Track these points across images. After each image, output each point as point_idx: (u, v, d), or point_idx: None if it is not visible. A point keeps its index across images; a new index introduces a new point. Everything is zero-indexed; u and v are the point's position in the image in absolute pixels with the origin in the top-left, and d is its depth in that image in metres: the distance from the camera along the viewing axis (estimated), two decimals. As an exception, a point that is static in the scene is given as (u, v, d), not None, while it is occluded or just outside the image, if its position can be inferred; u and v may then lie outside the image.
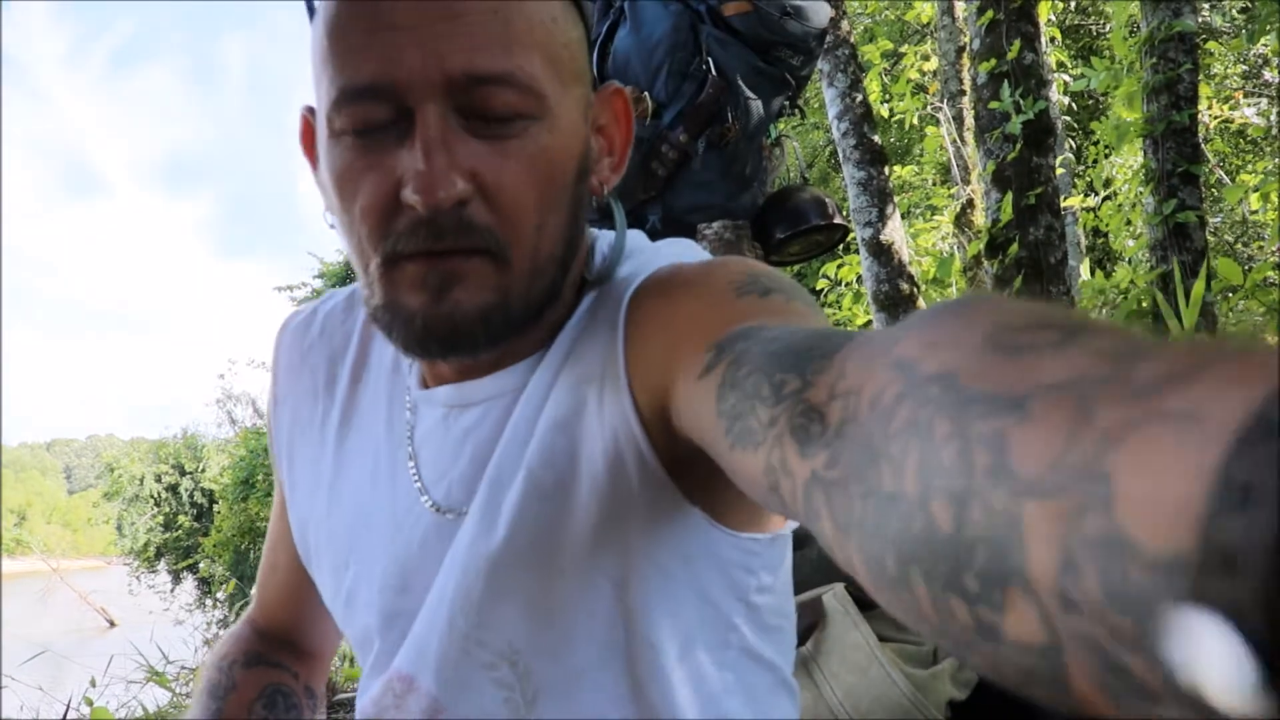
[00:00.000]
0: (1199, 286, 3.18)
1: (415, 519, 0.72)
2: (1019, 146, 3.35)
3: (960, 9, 6.46)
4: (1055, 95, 7.01)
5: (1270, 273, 4.67)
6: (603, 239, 0.76)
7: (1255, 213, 6.68)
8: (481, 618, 0.68)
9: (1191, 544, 0.18)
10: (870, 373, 0.37)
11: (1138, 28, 4.18)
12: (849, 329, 0.55)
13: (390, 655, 0.74)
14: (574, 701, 0.69)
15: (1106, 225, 5.99)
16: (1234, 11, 7.91)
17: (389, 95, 0.60)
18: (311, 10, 0.66)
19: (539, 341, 0.70)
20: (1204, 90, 5.91)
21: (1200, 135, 4.16)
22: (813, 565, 1.36)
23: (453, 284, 0.62)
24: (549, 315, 0.70)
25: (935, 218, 7.24)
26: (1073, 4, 9.85)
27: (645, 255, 0.74)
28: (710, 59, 1.86)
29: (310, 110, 0.70)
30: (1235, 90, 7.72)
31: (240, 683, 0.87)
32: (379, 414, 0.77)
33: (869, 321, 6.05)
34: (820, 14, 1.92)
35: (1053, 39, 7.15)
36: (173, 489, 19.09)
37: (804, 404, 0.43)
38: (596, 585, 0.67)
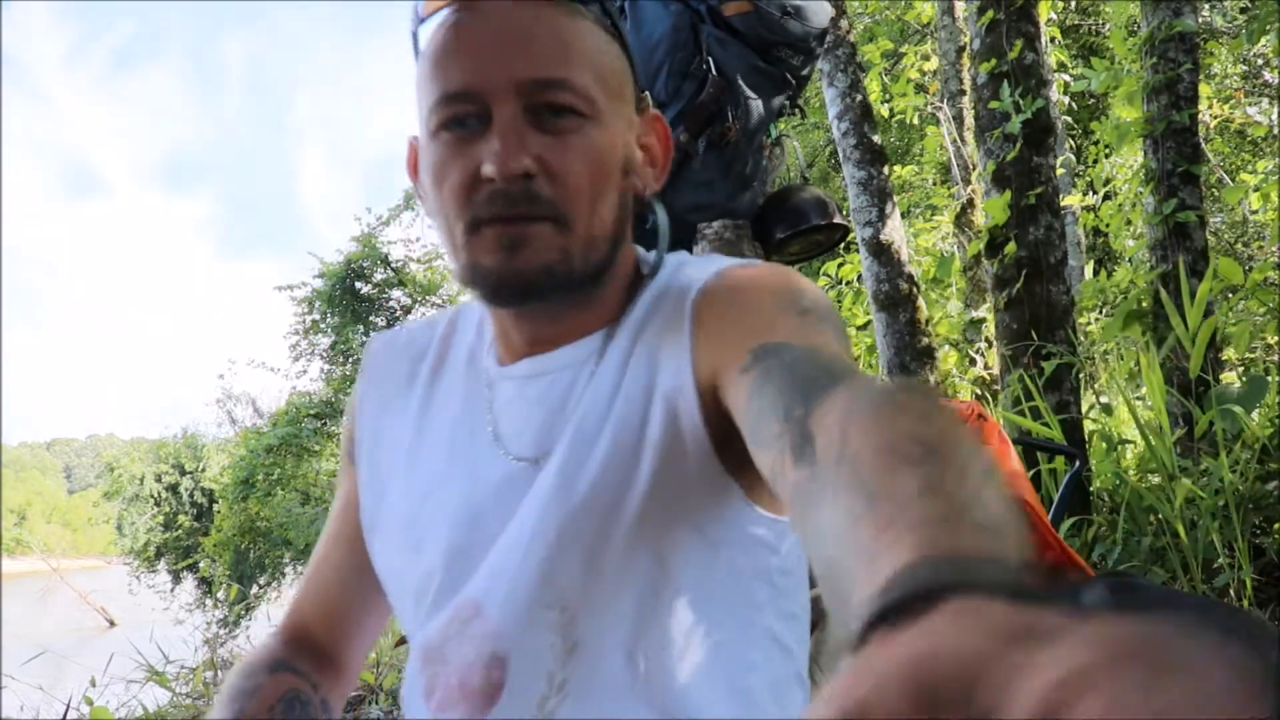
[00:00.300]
0: (1204, 286, 3.17)
1: (491, 468, 0.83)
2: (1019, 146, 3.35)
3: (960, 9, 6.46)
4: (1055, 95, 7.01)
5: (1270, 273, 4.67)
6: (646, 255, 0.91)
7: (1255, 213, 6.68)
8: (552, 556, 0.77)
9: (873, 606, 0.31)
10: (834, 427, 0.54)
11: (1138, 27, 4.18)
12: (845, 361, 0.68)
13: (453, 588, 0.82)
14: (605, 659, 0.76)
15: (1106, 225, 5.99)
16: (1234, 11, 7.91)
17: (475, 98, 0.76)
18: (416, 50, 0.83)
19: (601, 320, 0.84)
20: (1204, 90, 5.90)
21: (1200, 135, 4.16)
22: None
23: (522, 246, 0.76)
24: (606, 294, 0.84)
25: (935, 217, 7.24)
26: (1073, 4, 9.85)
27: (700, 262, 0.87)
28: (710, 59, 1.86)
29: (414, 138, 0.87)
30: (1236, 90, 7.71)
31: (262, 685, 0.90)
32: (456, 395, 0.89)
33: (868, 322, 6.05)
34: (821, 14, 1.91)
35: (1053, 39, 7.16)
36: (173, 489, 19.09)
37: (802, 428, 0.57)
38: (644, 545, 0.76)
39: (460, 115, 0.77)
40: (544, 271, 0.77)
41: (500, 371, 0.86)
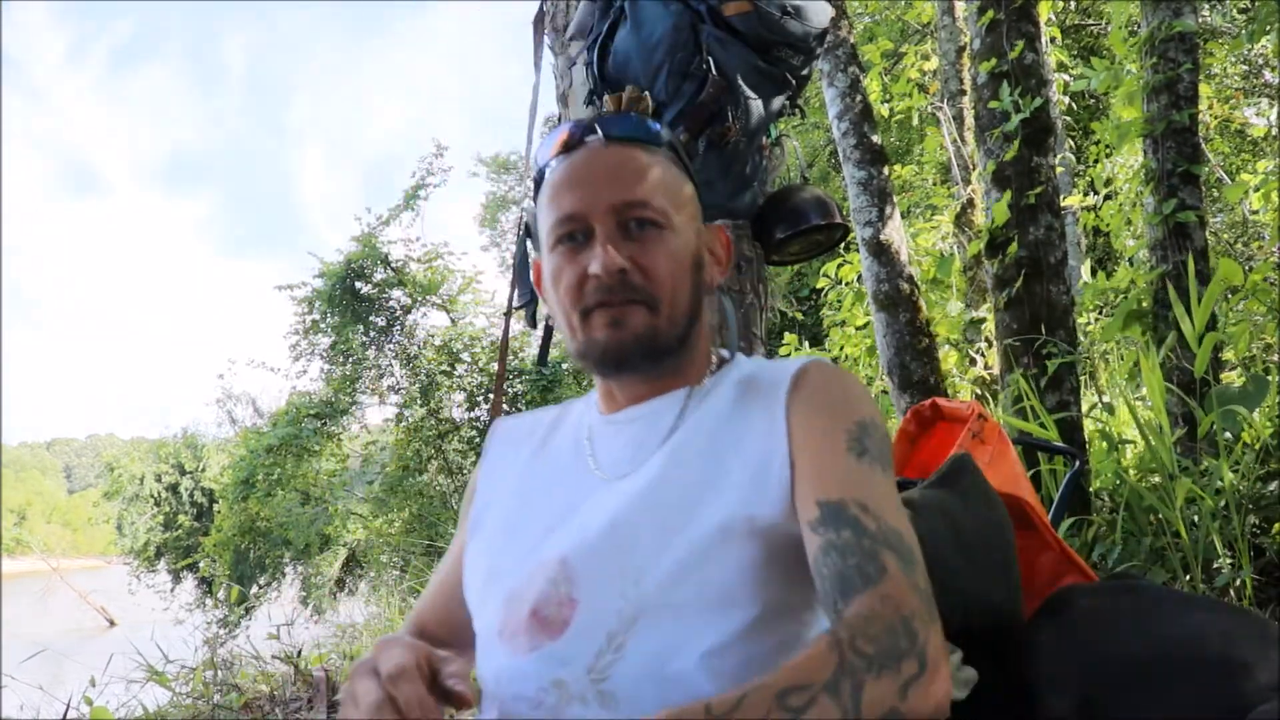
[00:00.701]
0: (1212, 287, 3.17)
1: (588, 484, 1.05)
2: (1018, 146, 3.35)
3: (961, 9, 6.45)
4: (1055, 95, 7.00)
5: (1270, 273, 4.67)
6: (721, 350, 1.18)
7: (1256, 213, 6.67)
8: (632, 533, 0.95)
9: None
10: (840, 637, 0.80)
11: (1138, 28, 4.18)
12: (878, 551, 0.89)
13: (540, 550, 1.00)
14: (660, 640, 0.90)
15: (1107, 225, 5.99)
16: (1234, 12, 7.90)
17: (581, 219, 1.05)
18: (538, 188, 1.13)
19: (683, 382, 1.09)
20: (1204, 90, 5.89)
21: (1200, 135, 4.15)
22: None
23: (622, 324, 1.03)
24: (688, 366, 1.10)
25: (935, 217, 7.24)
26: (1073, 4, 9.85)
27: (780, 361, 1.11)
28: (710, 58, 1.86)
29: (538, 258, 1.15)
30: (1236, 90, 7.71)
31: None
32: (565, 444, 1.13)
33: (868, 322, 6.05)
34: (821, 13, 1.91)
35: (1053, 39, 7.15)
36: (173, 488, 19.08)
37: (840, 620, 0.83)
38: (717, 555, 0.92)
39: (571, 232, 1.05)
40: (637, 342, 1.03)
41: (602, 419, 1.11)
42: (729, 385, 1.08)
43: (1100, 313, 6.46)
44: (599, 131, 1.10)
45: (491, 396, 11.18)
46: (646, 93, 1.93)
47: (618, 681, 0.89)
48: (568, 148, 1.11)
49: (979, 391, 5.51)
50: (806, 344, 8.02)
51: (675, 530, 0.94)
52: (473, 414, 11.46)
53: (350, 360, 11.37)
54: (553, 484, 1.08)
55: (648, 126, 1.12)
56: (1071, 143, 9.57)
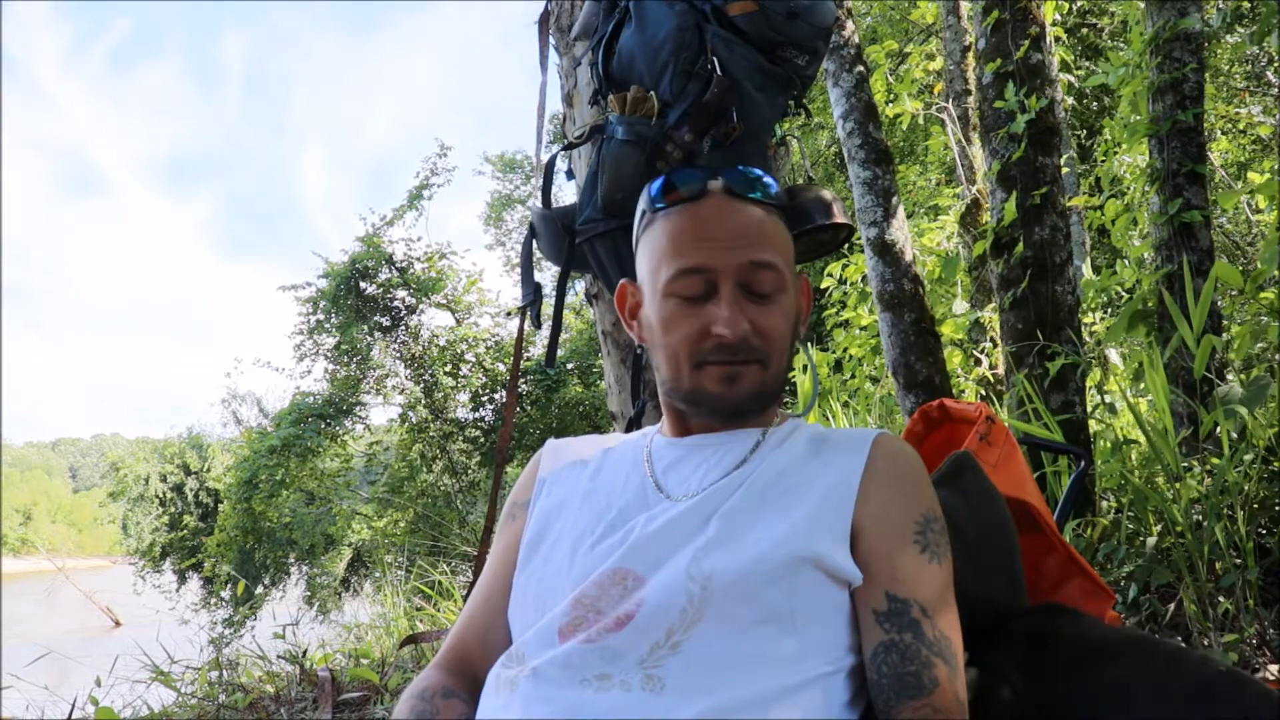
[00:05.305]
0: (1208, 287, 3.17)
1: (652, 498, 1.12)
2: (1024, 146, 3.34)
3: (965, 9, 6.45)
4: (1060, 95, 6.99)
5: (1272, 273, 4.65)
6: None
7: (1259, 212, 6.66)
8: (701, 544, 1.01)
9: None
10: None
11: (1145, 28, 4.17)
12: (934, 662, 1.00)
13: (610, 553, 1.06)
14: (717, 644, 0.95)
15: (1112, 223, 5.97)
16: (1231, 13, 7.88)
17: (706, 275, 1.11)
18: (641, 219, 1.20)
19: (756, 423, 1.16)
20: (1207, 90, 5.86)
21: (1205, 134, 4.14)
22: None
23: (738, 380, 1.11)
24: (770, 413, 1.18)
25: (940, 217, 7.23)
26: (1077, 4, 9.83)
27: (850, 429, 1.20)
28: (715, 59, 1.85)
29: (627, 282, 1.24)
30: (1240, 89, 7.69)
31: (442, 709, 1.10)
32: (626, 460, 1.20)
33: (873, 322, 6.04)
34: (825, 13, 1.91)
35: (1057, 39, 7.14)
36: (178, 488, 19.13)
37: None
38: (781, 580, 0.99)
39: (691, 288, 1.11)
40: (751, 398, 1.12)
41: (667, 441, 1.19)
42: (804, 437, 1.16)
43: (1106, 312, 6.44)
44: (721, 183, 1.16)
45: (497, 396, 11.18)
46: (651, 93, 1.93)
47: (668, 669, 0.94)
48: (691, 196, 1.16)
49: (983, 392, 5.51)
50: (810, 344, 8.00)
51: (742, 550, 1.00)
52: (477, 414, 11.47)
53: (354, 360, 11.39)
54: (615, 496, 1.13)
55: (768, 185, 1.18)
56: (1076, 142, 9.56)
